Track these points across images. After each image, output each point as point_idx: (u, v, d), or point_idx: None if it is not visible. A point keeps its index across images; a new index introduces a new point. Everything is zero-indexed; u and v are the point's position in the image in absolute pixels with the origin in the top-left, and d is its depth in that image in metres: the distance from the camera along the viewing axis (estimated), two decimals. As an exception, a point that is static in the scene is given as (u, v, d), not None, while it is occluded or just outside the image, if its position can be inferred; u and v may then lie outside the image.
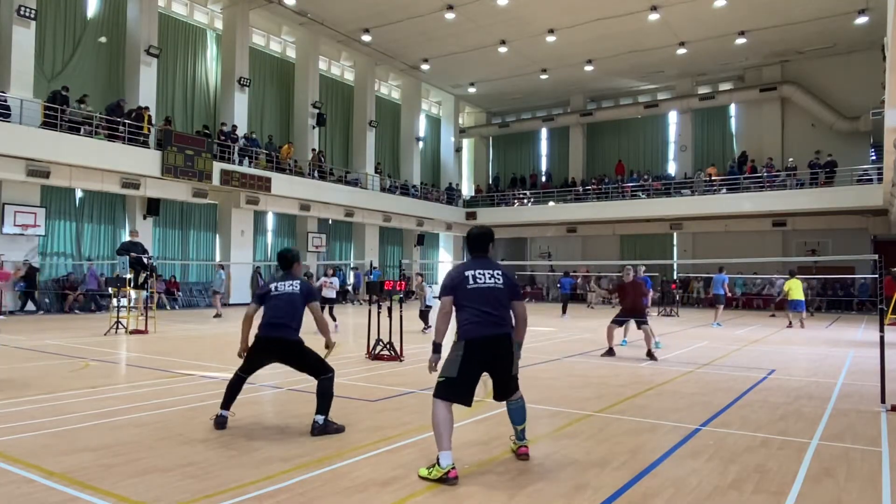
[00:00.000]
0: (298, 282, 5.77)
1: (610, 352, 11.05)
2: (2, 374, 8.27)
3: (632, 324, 11.97)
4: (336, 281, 15.84)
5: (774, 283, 25.99)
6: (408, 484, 4.10)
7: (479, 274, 4.57)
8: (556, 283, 30.05)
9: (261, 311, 5.71)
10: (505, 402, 4.77)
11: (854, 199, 24.93)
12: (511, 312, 4.65)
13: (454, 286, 4.57)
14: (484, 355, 4.45)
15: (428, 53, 29.49)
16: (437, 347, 4.62)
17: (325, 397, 5.45)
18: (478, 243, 4.78)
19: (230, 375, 5.83)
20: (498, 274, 4.62)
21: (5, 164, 17.15)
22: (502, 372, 4.56)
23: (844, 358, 11.11)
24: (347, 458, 4.69)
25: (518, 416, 4.74)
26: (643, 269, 14.13)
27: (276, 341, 5.53)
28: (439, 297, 4.88)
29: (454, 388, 4.37)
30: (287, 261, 5.92)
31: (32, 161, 17.58)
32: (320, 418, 5.37)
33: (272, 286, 5.73)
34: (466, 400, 4.43)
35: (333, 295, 15.47)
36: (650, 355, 10.60)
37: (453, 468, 4.14)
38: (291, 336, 5.55)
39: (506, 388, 4.65)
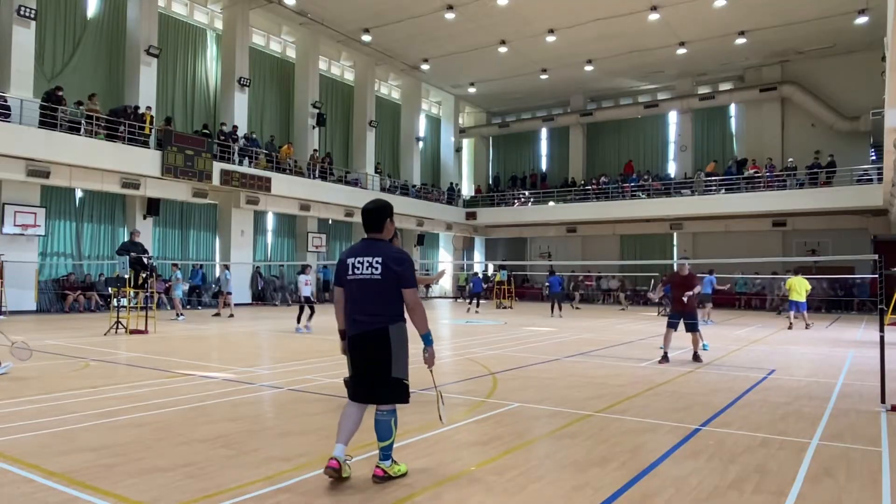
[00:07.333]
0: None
1: (665, 358, 10.16)
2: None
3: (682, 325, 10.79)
4: (311, 278, 15.45)
5: (775, 284, 25.93)
6: (407, 484, 4.09)
7: (359, 262, 4.18)
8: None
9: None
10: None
11: (854, 199, 24.93)
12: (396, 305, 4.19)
13: (337, 276, 4.29)
14: (359, 355, 4.23)
15: (428, 53, 29.49)
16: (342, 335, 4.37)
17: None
18: (368, 220, 4.26)
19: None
20: (377, 262, 4.13)
21: (5, 164, 17.15)
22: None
23: (844, 358, 11.10)
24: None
25: (380, 430, 4.19)
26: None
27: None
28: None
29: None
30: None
31: (32, 161, 17.57)
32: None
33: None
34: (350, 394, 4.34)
35: (308, 293, 15.19)
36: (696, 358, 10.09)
37: (332, 459, 4.04)
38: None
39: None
